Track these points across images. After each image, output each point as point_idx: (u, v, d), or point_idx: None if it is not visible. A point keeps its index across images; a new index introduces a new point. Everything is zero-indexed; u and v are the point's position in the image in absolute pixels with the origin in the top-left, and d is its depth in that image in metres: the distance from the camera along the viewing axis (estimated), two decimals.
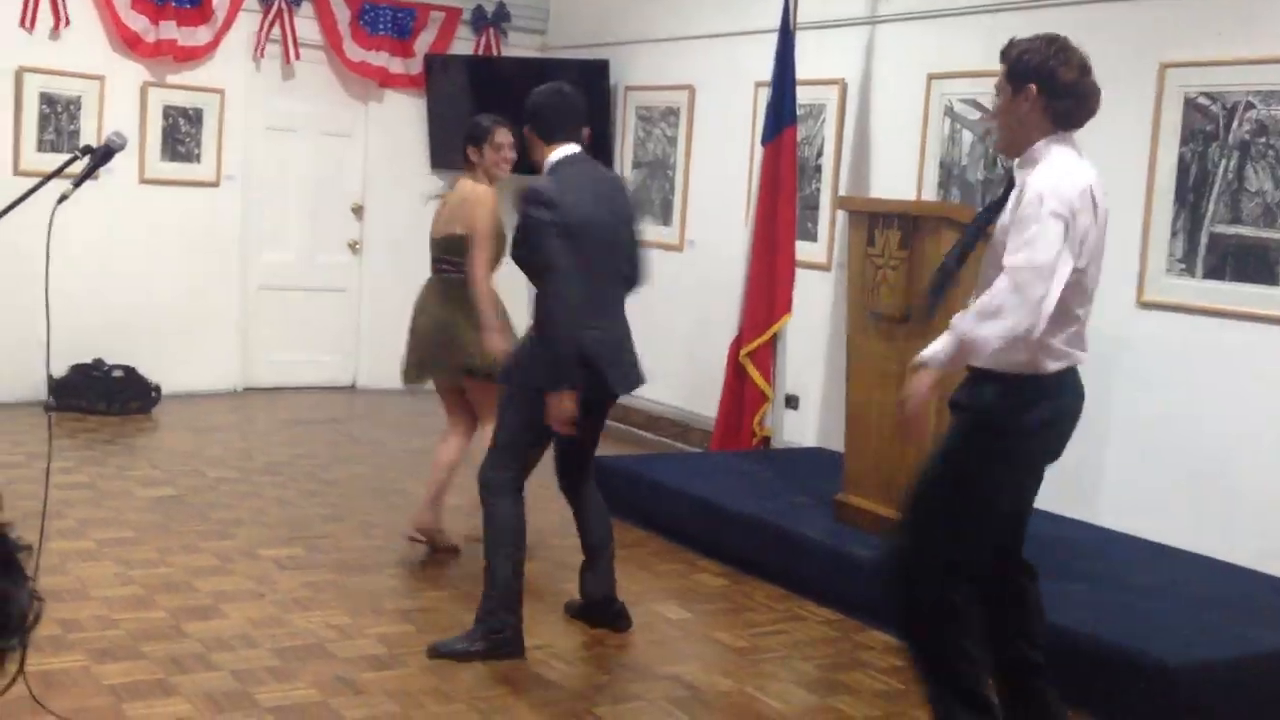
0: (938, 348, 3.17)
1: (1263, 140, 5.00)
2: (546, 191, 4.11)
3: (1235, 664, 4.00)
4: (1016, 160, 3.31)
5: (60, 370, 7.58)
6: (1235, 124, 5.09)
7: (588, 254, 4.12)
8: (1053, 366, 3.25)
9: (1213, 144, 5.17)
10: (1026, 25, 5.86)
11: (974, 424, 3.29)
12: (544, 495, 6.26)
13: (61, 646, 4.07)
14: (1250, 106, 5.04)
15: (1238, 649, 4.07)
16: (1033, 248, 3.07)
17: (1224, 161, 5.13)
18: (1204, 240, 5.21)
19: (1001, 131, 3.33)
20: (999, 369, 3.24)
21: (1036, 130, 3.23)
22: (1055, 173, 3.17)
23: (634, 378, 4.41)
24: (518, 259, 4.23)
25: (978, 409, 3.27)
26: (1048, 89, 3.19)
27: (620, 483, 6.01)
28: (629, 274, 4.38)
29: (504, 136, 5.17)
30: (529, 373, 4.19)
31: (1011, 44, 3.29)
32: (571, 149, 4.28)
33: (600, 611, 4.60)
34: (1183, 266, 5.28)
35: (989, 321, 3.07)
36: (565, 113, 4.30)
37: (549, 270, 4.07)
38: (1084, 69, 3.23)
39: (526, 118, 4.32)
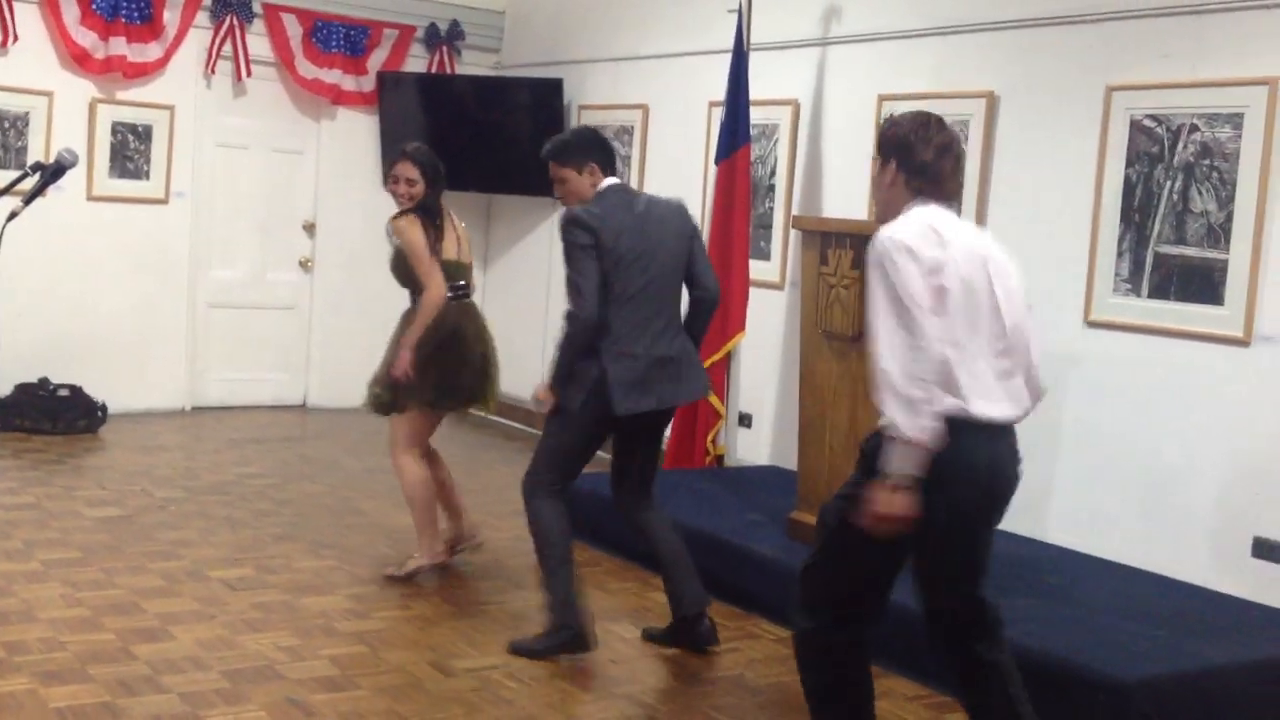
0: (884, 460, 3.11)
1: (1207, 162, 5.08)
2: (585, 217, 4.32)
3: (1187, 679, 4.04)
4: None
5: (4, 389, 7.48)
6: (1180, 146, 5.17)
7: (630, 278, 4.36)
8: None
9: (1158, 166, 5.25)
10: (975, 48, 5.97)
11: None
12: (498, 511, 6.25)
13: (7, 669, 4.01)
14: (1195, 129, 5.12)
15: (1190, 664, 4.11)
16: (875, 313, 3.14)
17: (1169, 183, 5.21)
18: (1149, 260, 5.28)
19: (875, 203, 3.46)
20: None
21: (901, 201, 3.35)
22: (898, 224, 3.25)
23: (679, 393, 4.56)
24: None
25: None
26: (905, 165, 3.31)
27: (574, 501, 5.98)
28: (700, 290, 4.60)
29: (401, 169, 5.23)
30: (567, 393, 4.41)
31: (888, 119, 3.44)
32: (614, 180, 4.52)
33: (690, 629, 4.61)
34: (1128, 286, 5.35)
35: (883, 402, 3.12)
36: (601, 144, 4.57)
37: (571, 294, 4.36)
38: (942, 150, 3.30)
39: (556, 153, 4.51)
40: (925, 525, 3.14)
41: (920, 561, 3.36)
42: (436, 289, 5.11)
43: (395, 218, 5.22)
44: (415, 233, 5.12)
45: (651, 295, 4.42)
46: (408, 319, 5.23)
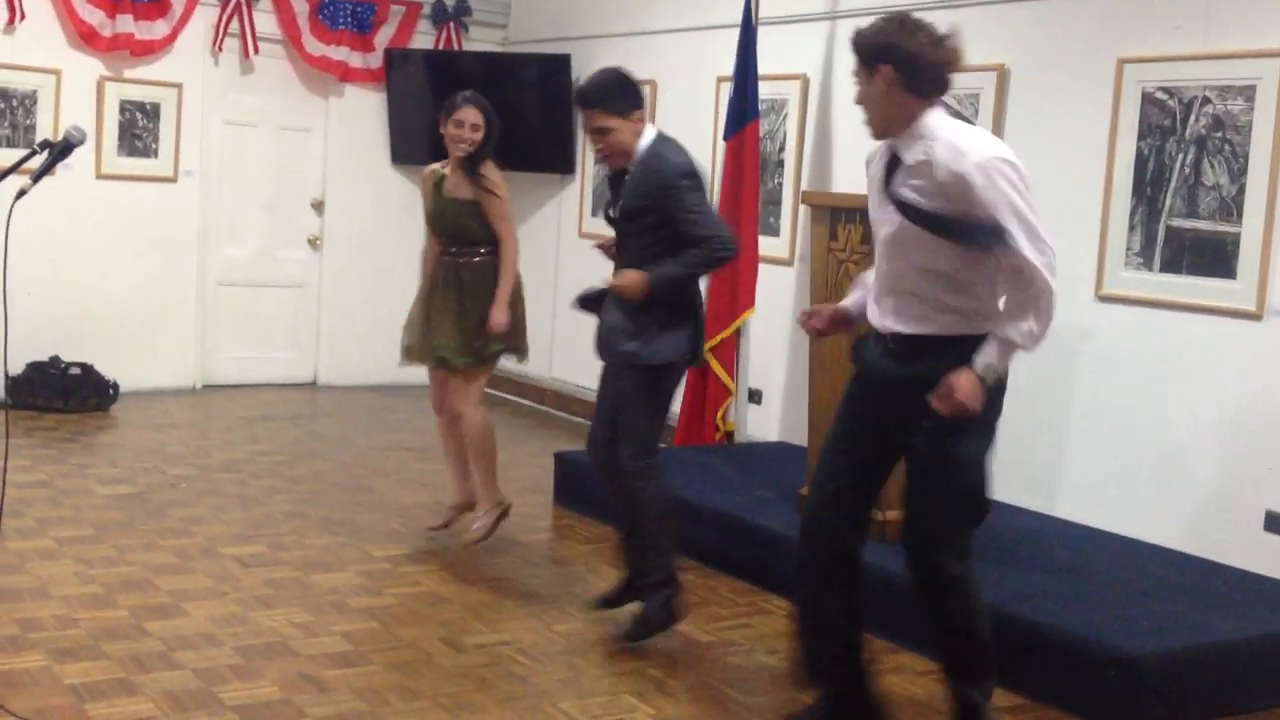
0: (992, 359, 3.21)
1: (1219, 135, 5.06)
2: (695, 166, 4.29)
3: (1199, 653, 4.05)
4: (892, 138, 3.34)
5: (16, 368, 7.50)
6: (1192, 119, 5.14)
7: None
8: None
9: (1170, 139, 5.22)
10: (986, 20, 5.93)
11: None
12: (508, 489, 6.26)
13: (22, 646, 4.03)
14: (1207, 101, 5.09)
15: (1201, 638, 4.12)
16: (1029, 226, 3.16)
17: (1181, 156, 5.18)
18: (1161, 234, 5.26)
19: (870, 115, 3.34)
20: (968, 332, 3.28)
21: (905, 106, 3.26)
22: (973, 137, 3.22)
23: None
24: (641, 229, 4.30)
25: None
26: (901, 65, 3.22)
27: (584, 477, 6.00)
28: None
29: (466, 114, 5.14)
30: (659, 349, 4.26)
31: (858, 32, 3.32)
32: (654, 128, 4.40)
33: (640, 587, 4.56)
34: (1140, 260, 5.33)
35: (1041, 318, 3.19)
36: (638, 86, 4.38)
37: (720, 226, 4.31)
38: (934, 41, 3.25)
39: (605, 101, 4.27)
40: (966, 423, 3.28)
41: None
42: (515, 239, 5.23)
43: (476, 168, 5.13)
44: (505, 189, 5.16)
45: None
46: (475, 273, 5.16)
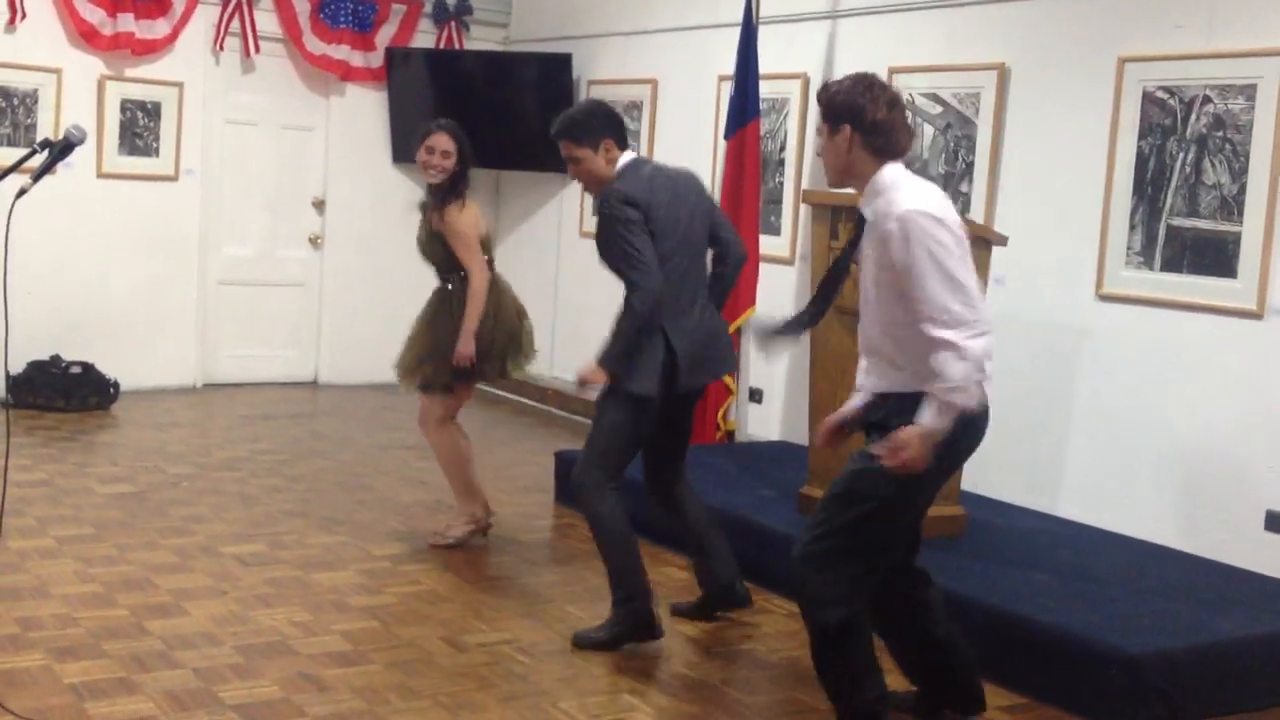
0: (933, 420, 3.22)
1: (1220, 134, 5.05)
2: (634, 193, 4.21)
3: (1200, 652, 4.05)
4: (851, 189, 3.47)
5: (17, 367, 7.50)
6: (1193, 118, 5.14)
7: (677, 255, 4.30)
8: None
9: (1171, 138, 5.22)
10: (986, 19, 5.93)
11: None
12: (508, 488, 6.27)
13: (21, 645, 4.03)
14: (1208, 100, 5.09)
15: (1202, 638, 4.12)
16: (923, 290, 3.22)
17: (1182, 155, 5.18)
18: (1162, 233, 5.25)
19: (828, 168, 3.48)
20: (916, 389, 3.33)
21: (864, 164, 3.38)
22: (909, 193, 3.29)
23: (723, 365, 4.63)
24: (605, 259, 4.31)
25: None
26: (860, 127, 3.35)
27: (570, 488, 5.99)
28: (728, 254, 4.53)
29: (436, 141, 5.15)
30: (633, 378, 4.26)
31: (824, 87, 3.46)
32: (631, 154, 4.40)
33: (726, 597, 4.63)
34: (1141, 259, 5.32)
35: (948, 372, 3.20)
36: (613, 118, 4.41)
37: (634, 268, 4.16)
38: (892, 105, 3.38)
39: (569, 132, 4.33)
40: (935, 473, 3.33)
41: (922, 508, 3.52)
42: (481, 272, 5.14)
43: (441, 204, 5.13)
44: (460, 218, 5.11)
45: (694, 270, 4.41)
46: (444, 299, 5.23)
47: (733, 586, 4.62)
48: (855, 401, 3.60)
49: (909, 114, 3.48)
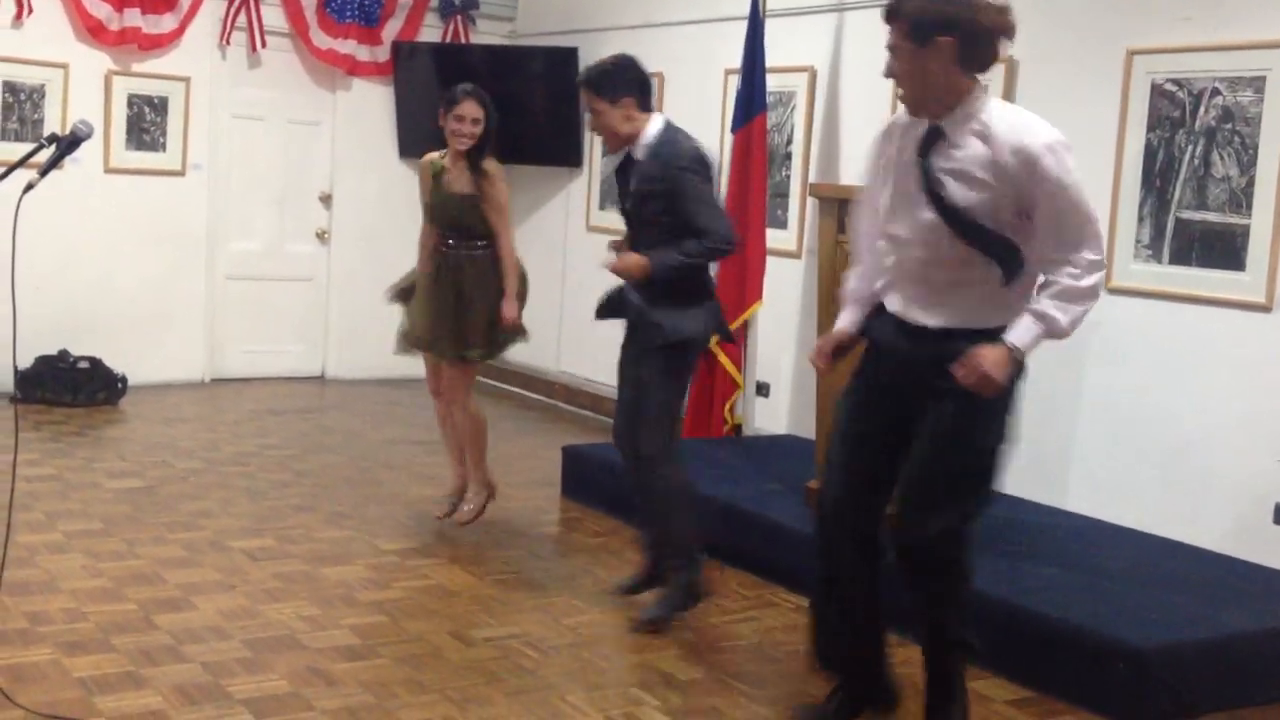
0: (1027, 336, 3.15)
1: (1229, 126, 5.04)
2: (706, 153, 4.39)
3: (1207, 646, 4.04)
4: (934, 116, 3.21)
5: (25, 362, 7.51)
6: (1202, 110, 5.12)
7: None
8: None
9: (1179, 130, 5.20)
10: None
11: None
12: (515, 481, 6.27)
13: (30, 639, 4.04)
14: (1216, 93, 5.07)
15: (1210, 632, 4.11)
16: (1088, 214, 3.16)
17: (1190, 148, 5.16)
18: (1170, 226, 5.24)
19: (916, 90, 3.19)
20: (988, 325, 3.22)
21: (958, 83, 3.14)
22: (1033, 122, 3.17)
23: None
24: (652, 216, 4.37)
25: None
26: (967, 37, 3.08)
27: (592, 470, 6.01)
28: None
29: (466, 108, 5.15)
30: (679, 325, 4.34)
31: (901, 2, 3.18)
32: (661, 116, 4.48)
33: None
34: (1149, 252, 5.31)
35: (1084, 303, 3.14)
36: (641, 77, 4.46)
37: (721, 218, 4.36)
38: (998, 8, 3.13)
39: (592, 82, 4.41)
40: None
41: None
42: (511, 232, 5.26)
43: (480, 166, 5.16)
44: (505, 185, 5.19)
45: None
46: (471, 266, 5.22)
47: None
48: (851, 317, 3.54)
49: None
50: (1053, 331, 3.16)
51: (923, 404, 3.30)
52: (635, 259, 4.33)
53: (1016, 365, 3.19)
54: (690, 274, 4.38)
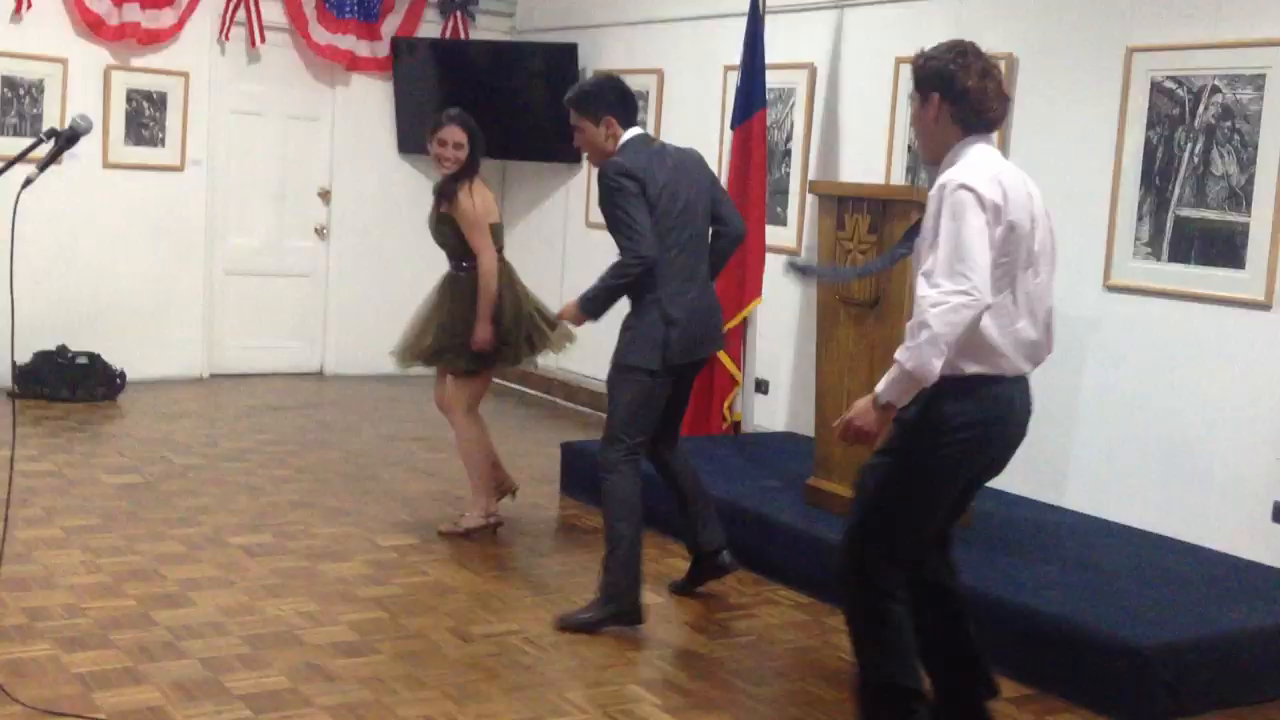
0: (885, 381, 3.16)
1: (1228, 124, 5.04)
2: (631, 167, 4.35)
3: (1207, 644, 4.04)
4: (934, 167, 3.36)
5: (23, 357, 7.51)
6: (1201, 108, 5.12)
7: (677, 230, 4.44)
8: (970, 369, 3.22)
9: (1179, 128, 5.20)
10: (994, 9, 5.91)
11: (903, 424, 3.31)
12: (515, 478, 6.26)
13: (29, 635, 4.04)
14: (1216, 90, 5.07)
15: (1209, 630, 4.11)
16: (945, 243, 3.10)
17: (1190, 145, 5.16)
18: (1170, 223, 5.24)
19: (919, 140, 3.40)
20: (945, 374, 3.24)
21: (948, 136, 3.29)
22: (968, 165, 3.21)
23: (717, 340, 4.75)
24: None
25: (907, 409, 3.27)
26: (949, 96, 3.26)
27: (591, 467, 5.98)
28: (725, 225, 4.64)
29: (448, 134, 5.21)
30: (628, 354, 4.43)
31: (920, 53, 3.36)
32: (637, 130, 4.53)
33: (708, 565, 4.76)
34: (1149, 250, 5.31)
35: (913, 337, 3.09)
36: (622, 96, 4.54)
37: (628, 235, 4.33)
38: (983, 75, 3.27)
39: (575, 101, 4.50)
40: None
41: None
42: (489, 256, 5.20)
43: (448, 186, 5.21)
44: (471, 203, 5.18)
45: (694, 246, 4.51)
46: (456, 284, 5.29)
47: (716, 554, 4.73)
48: None
49: (1000, 85, 3.29)
50: (901, 372, 3.11)
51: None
52: (569, 305, 4.52)
53: (883, 411, 3.18)
54: (631, 294, 4.43)
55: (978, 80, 3.25)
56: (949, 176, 3.18)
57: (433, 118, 5.32)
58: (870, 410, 3.19)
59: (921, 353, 3.05)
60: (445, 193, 5.22)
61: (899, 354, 3.11)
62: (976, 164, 3.21)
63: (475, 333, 5.16)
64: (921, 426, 3.26)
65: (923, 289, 3.10)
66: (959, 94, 3.24)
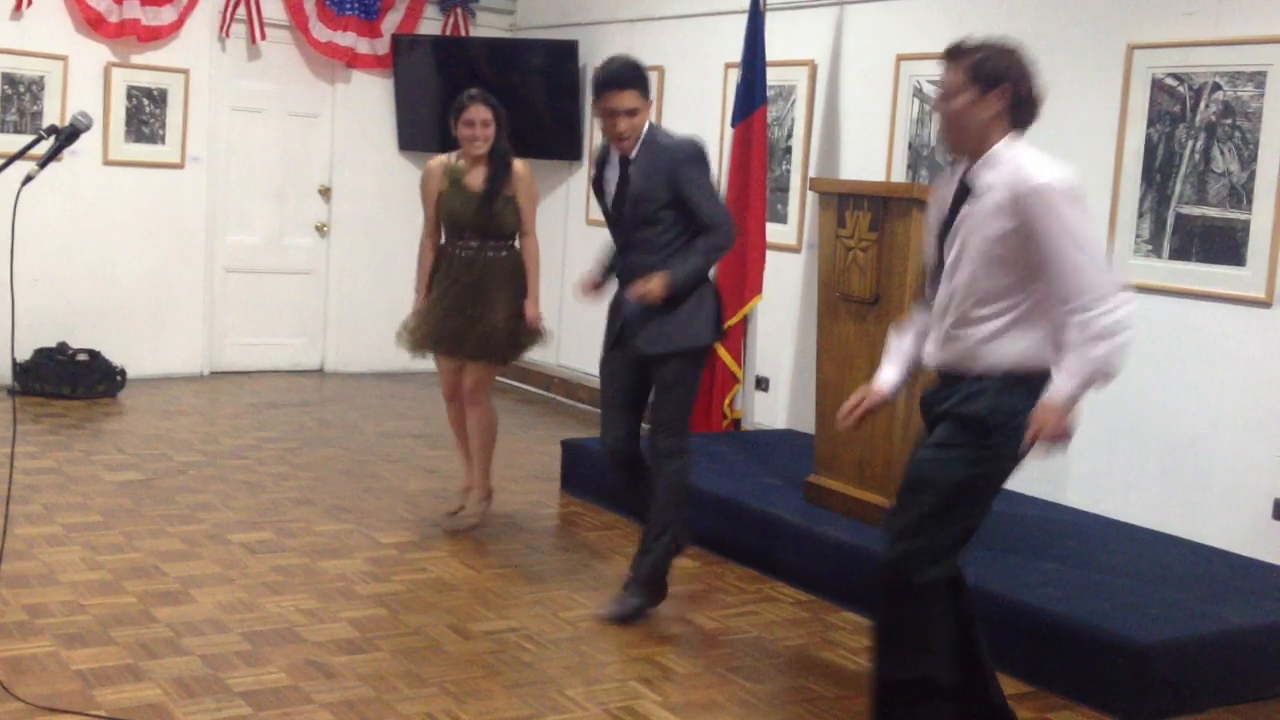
0: (1070, 387, 3.20)
1: (1229, 121, 5.03)
2: (700, 143, 4.48)
3: (1208, 642, 4.05)
4: (965, 160, 3.31)
5: (24, 354, 7.51)
6: (1202, 105, 5.12)
7: None
8: (1050, 365, 3.29)
9: (1180, 125, 5.19)
10: (995, 6, 5.90)
11: (963, 420, 3.30)
12: (514, 475, 6.27)
13: (30, 632, 4.04)
14: (1217, 88, 5.06)
15: (1210, 627, 4.11)
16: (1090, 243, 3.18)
17: (1191, 143, 5.16)
18: (1171, 221, 5.24)
19: (955, 129, 3.31)
20: (1015, 368, 3.28)
21: (994, 132, 3.27)
22: (1044, 163, 3.21)
23: None
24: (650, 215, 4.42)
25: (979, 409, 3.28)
26: (1017, 95, 3.24)
27: (591, 464, 6.00)
28: None
29: (475, 113, 5.19)
30: (699, 333, 4.46)
31: (970, 47, 3.29)
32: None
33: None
34: (1149, 247, 5.31)
35: (1116, 340, 3.17)
36: None
37: (723, 207, 4.52)
38: (1037, 76, 3.32)
39: (643, 83, 4.42)
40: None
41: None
42: (536, 236, 5.38)
43: (499, 161, 5.25)
44: (528, 174, 5.30)
45: None
46: (493, 267, 5.27)
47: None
48: (893, 377, 3.53)
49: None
50: (1098, 372, 3.25)
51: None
52: (657, 282, 4.31)
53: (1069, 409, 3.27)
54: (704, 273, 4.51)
55: (1037, 83, 3.28)
56: (1040, 178, 3.14)
57: (453, 104, 5.26)
58: (1063, 411, 3.20)
59: (1121, 355, 3.17)
60: (501, 168, 5.22)
61: (1098, 352, 3.15)
62: (1047, 160, 3.23)
63: (528, 310, 5.24)
64: (997, 423, 3.26)
65: (1099, 290, 3.14)
66: (1026, 95, 3.24)
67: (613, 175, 4.51)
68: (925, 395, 3.46)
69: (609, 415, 4.59)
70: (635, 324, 4.45)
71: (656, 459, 4.50)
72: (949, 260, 3.32)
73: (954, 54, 3.31)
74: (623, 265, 4.55)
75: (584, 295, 4.68)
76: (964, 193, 3.30)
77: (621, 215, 4.47)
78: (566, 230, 8.71)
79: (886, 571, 3.36)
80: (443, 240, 5.36)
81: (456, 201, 5.25)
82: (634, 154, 4.40)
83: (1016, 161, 3.20)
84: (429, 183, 5.36)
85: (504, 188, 5.23)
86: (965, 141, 3.30)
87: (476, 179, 5.24)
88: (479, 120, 5.18)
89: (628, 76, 4.37)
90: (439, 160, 5.37)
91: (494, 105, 5.23)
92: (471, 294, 5.24)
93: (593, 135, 8.43)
